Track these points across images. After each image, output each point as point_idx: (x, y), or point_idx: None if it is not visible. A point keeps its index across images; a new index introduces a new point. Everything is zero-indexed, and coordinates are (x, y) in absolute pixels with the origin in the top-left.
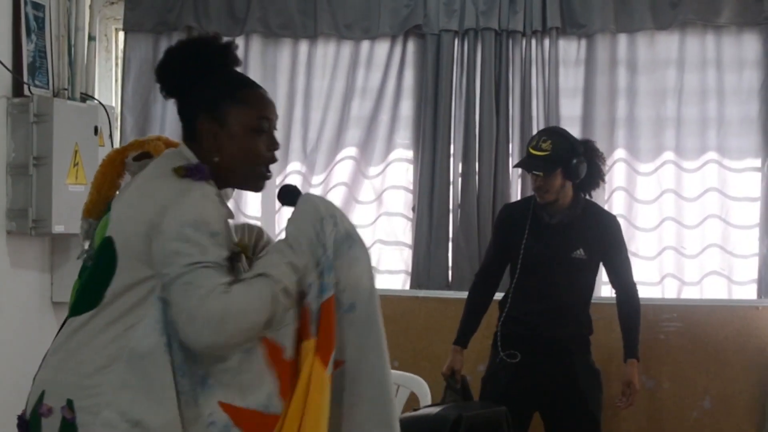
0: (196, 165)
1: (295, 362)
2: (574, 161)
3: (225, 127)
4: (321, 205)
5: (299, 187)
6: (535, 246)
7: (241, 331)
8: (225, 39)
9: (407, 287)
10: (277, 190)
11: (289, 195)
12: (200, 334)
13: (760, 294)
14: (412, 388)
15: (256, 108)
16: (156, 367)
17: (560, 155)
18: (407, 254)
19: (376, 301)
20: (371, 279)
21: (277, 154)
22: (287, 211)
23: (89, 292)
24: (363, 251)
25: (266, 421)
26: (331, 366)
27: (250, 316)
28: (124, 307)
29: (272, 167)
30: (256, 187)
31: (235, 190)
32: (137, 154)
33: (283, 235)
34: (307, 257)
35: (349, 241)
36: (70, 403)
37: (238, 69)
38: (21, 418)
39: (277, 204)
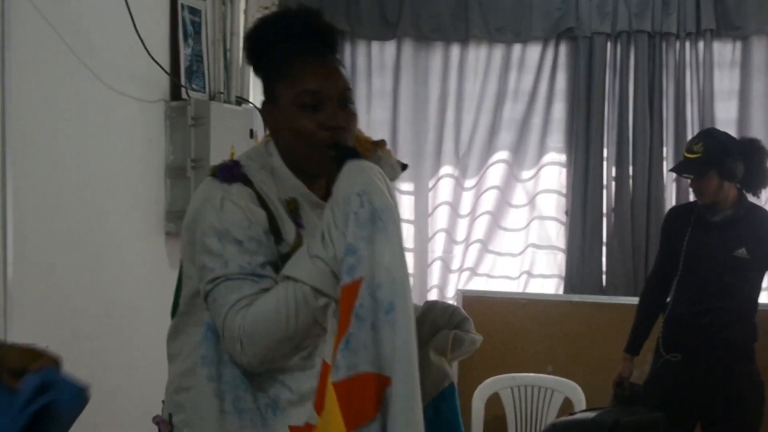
0: (231, 165)
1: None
2: (728, 161)
3: (277, 105)
4: (356, 180)
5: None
6: (697, 243)
7: (267, 347)
8: (310, 12)
9: (561, 291)
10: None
11: (339, 156)
12: (233, 353)
13: None
14: (567, 393)
15: (299, 81)
16: (205, 393)
17: (711, 157)
18: (561, 258)
19: (410, 299)
20: (403, 270)
21: (432, 153)
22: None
23: (174, 297)
24: (396, 237)
25: None
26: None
27: (273, 330)
28: (189, 316)
29: (435, 164)
30: (319, 169)
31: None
32: None
33: None
34: (338, 245)
35: (375, 224)
36: (170, 417)
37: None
38: None
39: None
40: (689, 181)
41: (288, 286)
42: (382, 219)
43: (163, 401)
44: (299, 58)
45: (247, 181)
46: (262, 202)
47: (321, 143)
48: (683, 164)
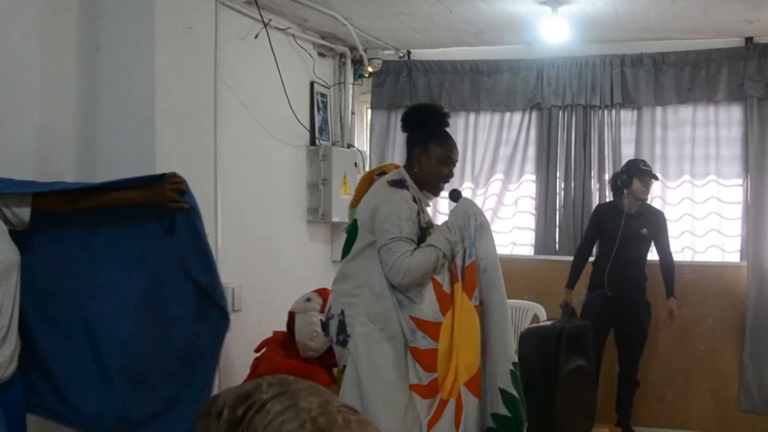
0: (400, 179)
1: (450, 295)
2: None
3: (427, 155)
4: (469, 207)
5: (463, 192)
6: (617, 225)
7: (416, 278)
8: (443, 109)
9: (532, 254)
10: (449, 191)
11: (455, 195)
12: (393, 278)
13: (741, 258)
14: (535, 311)
15: (447, 150)
16: (383, 292)
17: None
18: (531, 235)
19: (499, 267)
20: (496, 254)
21: (457, 175)
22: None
23: (346, 248)
24: (491, 236)
25: (435, 326)
26: (475, 299)
27: (421, 270)
28: (362, 256)
29: (460, 182)
30: (434, 193)
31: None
32: (379, 172)
33: (446, 219)
34: (457, 236)
35: (484, 230)
36: (342, 312)
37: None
38: (321, 322)
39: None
40: (633, 183)
41: (432, 249)
42: (485, 228)
43: (330, 305)
44: (448, 136)
45: (407, 188)
46: (415, 200)
47: (442, 184)
48: (653, 174)
